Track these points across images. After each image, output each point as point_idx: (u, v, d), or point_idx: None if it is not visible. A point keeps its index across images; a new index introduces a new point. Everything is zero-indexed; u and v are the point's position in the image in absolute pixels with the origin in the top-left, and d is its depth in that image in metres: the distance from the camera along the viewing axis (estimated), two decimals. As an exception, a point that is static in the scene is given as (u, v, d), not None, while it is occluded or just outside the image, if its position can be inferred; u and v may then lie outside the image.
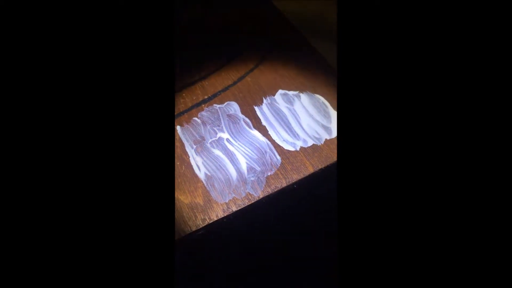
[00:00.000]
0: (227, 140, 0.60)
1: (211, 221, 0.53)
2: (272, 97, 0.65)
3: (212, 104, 0.65)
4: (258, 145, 0.59)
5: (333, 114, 0.63)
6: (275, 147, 0.59)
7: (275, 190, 0.55)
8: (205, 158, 0.58)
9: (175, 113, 0.64)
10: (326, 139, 0.60)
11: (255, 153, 0.58)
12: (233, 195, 0.55)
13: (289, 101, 0.65)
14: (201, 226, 0.52)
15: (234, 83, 0.68)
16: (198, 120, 0.62)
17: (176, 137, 0.61)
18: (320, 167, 0.57)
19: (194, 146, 0.59)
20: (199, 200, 0.54)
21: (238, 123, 0.62)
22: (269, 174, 0.57)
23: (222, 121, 0.62)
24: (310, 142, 0.60)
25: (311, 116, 0.63)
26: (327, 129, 0.61)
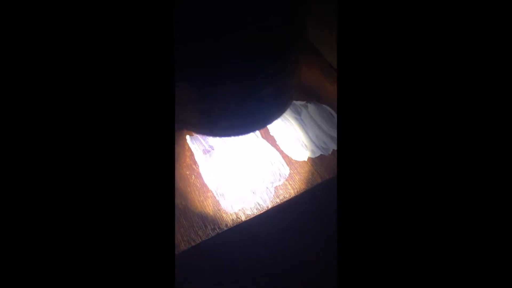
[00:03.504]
0: (236, 149, 0.61)
1: (220, 231, 0.53)
2: (280, 107, 0.66)
3: (221, 114, 0.65)
4: (266, 155, 0.60)
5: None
6: (283, 157, 0.60)
7: (284, 201, 0.56)
8: (214, 168, 0.59)
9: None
10: (333, 149, 0.61)
11: (263, 163, 0.59)
12: (242, 205, 0.56)
13: (297, 111, 0.65)
14: (211, 236, 0.53)
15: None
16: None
17: (186, 146, 0.62)
18: (328, 177, 0.58)
19: (204, 156, 0.60)
20: (209, 210, 0.55)
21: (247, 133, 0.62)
22: (277, 184, 0.58)
23: (230, 130, 0.63)
24: (318, 153, 0.61)
25: (318, 126, 0.64)
26: (334, 139, 0.62)
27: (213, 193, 0.57)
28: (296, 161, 0.60)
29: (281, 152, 0.61)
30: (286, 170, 0.59)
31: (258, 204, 0.56)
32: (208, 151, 0.60)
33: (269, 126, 0.64)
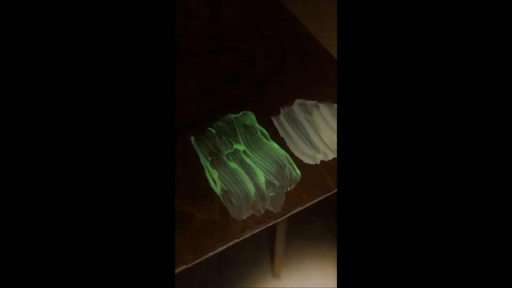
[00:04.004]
0: (244, 152, 0.57)
1: (229, 240, 0.50)
2: (290, 107, 0.63)
3: (227, 114, 0.62)
4: (276, 158, 0.56)
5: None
6: (294, 160, 0.57)
7: (296, 207, 0.53)
8: (221, 172, 0.55)
9: (190, 123, 0.61)
10: (347, 152, 0.58)
11: (273, 167, 0.56)
12: (251, 211, 0.52)
13: (308, 112, 0.62)
14: (218, 246, 0.50)
15: (250, 91, 0.65)
16: (213, 131, 0.59)
17: (190, 149, 0.58)
18: (342, 182, 0.55)
19: (210, 159, 0.56)
20: (216, 217, 0.52)
21: (255, 134, 0.59)
22: (288, 189, 0.54)
23: (238, 132, 0.59)
24: (331, 156, 0.57)
25: (331, 127, 0.60)
26: (348, 142, 0.59)
27: (220, 199, 0.53)
28: (308, 165, 0.56)
29: (292, 155, 0.57)
30: (297, 174, 0.55)
31: (269, 211, 0.52)
32: (214, 154, 0.57)
33: (278, 127, 0.60)
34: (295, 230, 0.65)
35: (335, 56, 0.70)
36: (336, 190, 0.55)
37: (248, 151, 0.57)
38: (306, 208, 0.54)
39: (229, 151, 0.57)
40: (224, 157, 0.56)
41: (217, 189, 0.54)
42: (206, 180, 0.55)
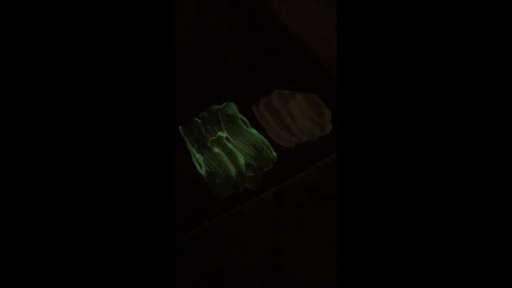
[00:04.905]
0: (226, 138, 0.63)
1: (214, 218, 0.56)
2: (269, 97, 0.69)
3: (211, 105, 0.68)
4: (255, 143, 0.62)
5: (327, 112, 0.66)
6: (271, 144, 0.63)
7: (272, 185, 0.59)
8: (206, 156, 0.61)
9: (177, 114, 0.67)
10: (319, 136, 0.64)
11: (252, 150, 0.62)
12: (233, 190, 0.58)
13: (285, 101, 0.68)
14: (201, 224, 0.56)
15: (232, 83, 0.71)
16: (199, 121, 0.66)
17: (178, 136, 0.65)
18: (314, 162, 0.61)
19: (196, 145, 0.63)
20: (201, 196, 0.58)
21: (236, 123, 0.65)
22: (266, 169, 0.60)
23: (221, 120, 0.65)
24: (304, 139, 0.63)
25: (305, 114, 0.66)
26: (320, 126, 0.64)
27: (204, 180, 0.59)
28: (284, 147, 0.63)
29: (269, 139, 0.63)
30: (274, 156, 0.61)
31: (248, 189, 0.58)
32: (200, 141, 0.63)
33: (257, 115, 0.66)
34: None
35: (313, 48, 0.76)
36: (310, 168, 0.61)
37: (230, 138, 0.63)
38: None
39: (213, 138, 0.63)
40: (209, 143, 0.63)
41: (202, 171, 0.60)
42: (192, 164, 0.61)
